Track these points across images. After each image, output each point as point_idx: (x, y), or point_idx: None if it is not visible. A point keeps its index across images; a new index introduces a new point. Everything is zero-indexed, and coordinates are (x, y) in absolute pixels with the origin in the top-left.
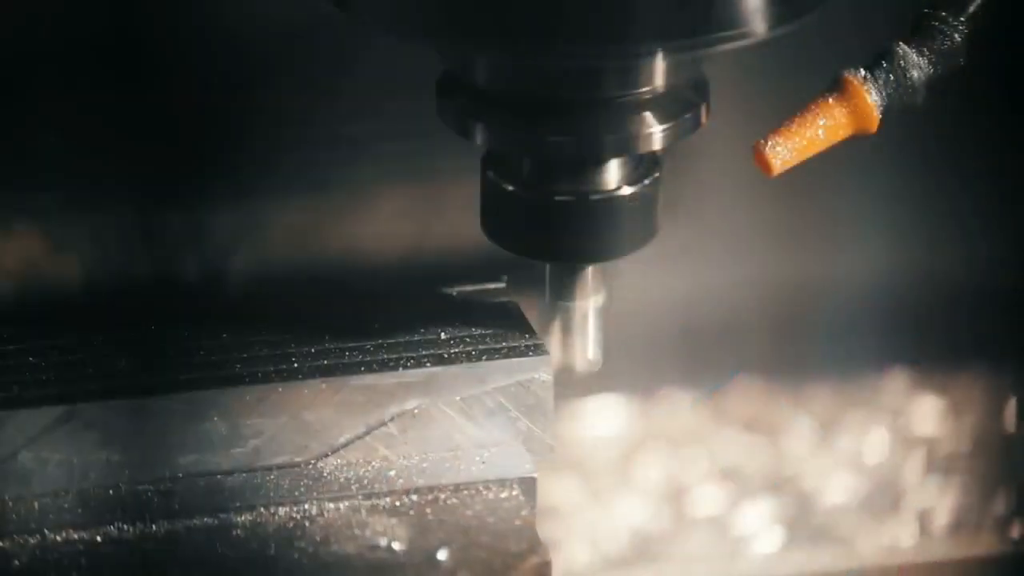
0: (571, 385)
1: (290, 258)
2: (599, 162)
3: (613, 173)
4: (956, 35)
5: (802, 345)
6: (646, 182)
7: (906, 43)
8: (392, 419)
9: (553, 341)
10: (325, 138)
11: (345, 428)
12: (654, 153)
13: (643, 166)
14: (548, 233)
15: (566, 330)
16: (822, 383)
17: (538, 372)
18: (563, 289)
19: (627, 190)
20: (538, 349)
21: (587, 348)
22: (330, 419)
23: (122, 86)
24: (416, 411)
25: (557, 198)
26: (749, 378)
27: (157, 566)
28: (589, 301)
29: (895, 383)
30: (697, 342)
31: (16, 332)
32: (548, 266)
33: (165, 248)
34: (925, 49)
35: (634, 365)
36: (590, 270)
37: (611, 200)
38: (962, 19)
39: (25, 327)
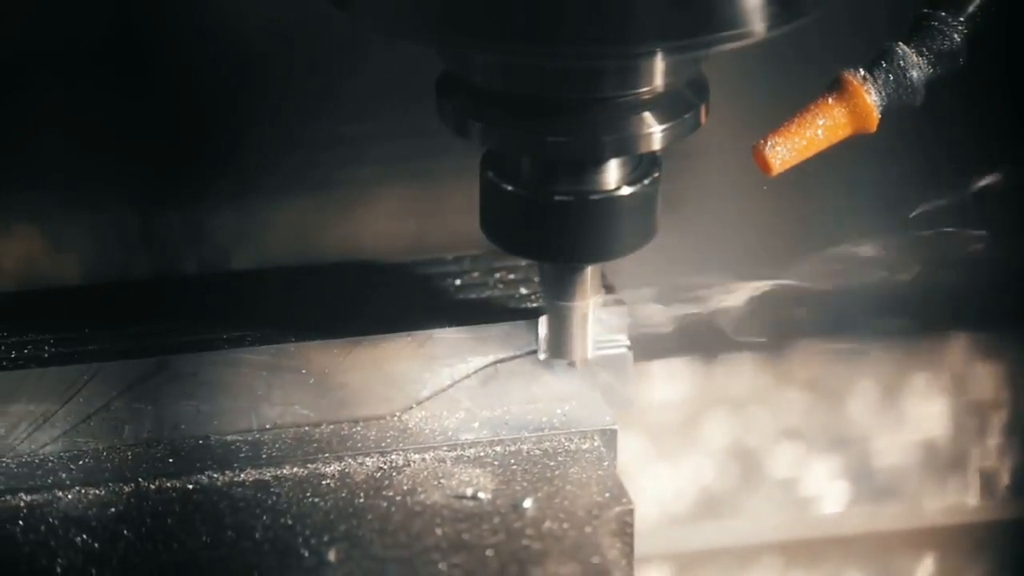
0: (635, 348)
1: (290, 258)
2: (598, 162)
3: (612, 173)
4: (956, 35)
5: (865, 310)
6: (645, 182)
7: (905, 43)
8: (475, 372)
9: (551, 341)
10: (325, 138)
11: (429, 381)
12: (653, 153)
13: (642, 166)
14: (547, 233)
15: (565, 330)
16: (885, 346)
17: (617, 325)
18: (562, 289)
19: (626, 190)
20: (617, 303)
21: (586, 348)
22: (414, 372)
23: (122, 86)
24: (498, 364)
25: (556, 198)
26: (813, 341)
27: (248, 513)
28: (588, 301)
29: (957, 347)
30: (762, 305)
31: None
32: (547, 266)
33: (165, 248)
34: (924, 49)
35: (699, 327)
36: (589, 270)
37: (610, 200)
38: (961, 19)
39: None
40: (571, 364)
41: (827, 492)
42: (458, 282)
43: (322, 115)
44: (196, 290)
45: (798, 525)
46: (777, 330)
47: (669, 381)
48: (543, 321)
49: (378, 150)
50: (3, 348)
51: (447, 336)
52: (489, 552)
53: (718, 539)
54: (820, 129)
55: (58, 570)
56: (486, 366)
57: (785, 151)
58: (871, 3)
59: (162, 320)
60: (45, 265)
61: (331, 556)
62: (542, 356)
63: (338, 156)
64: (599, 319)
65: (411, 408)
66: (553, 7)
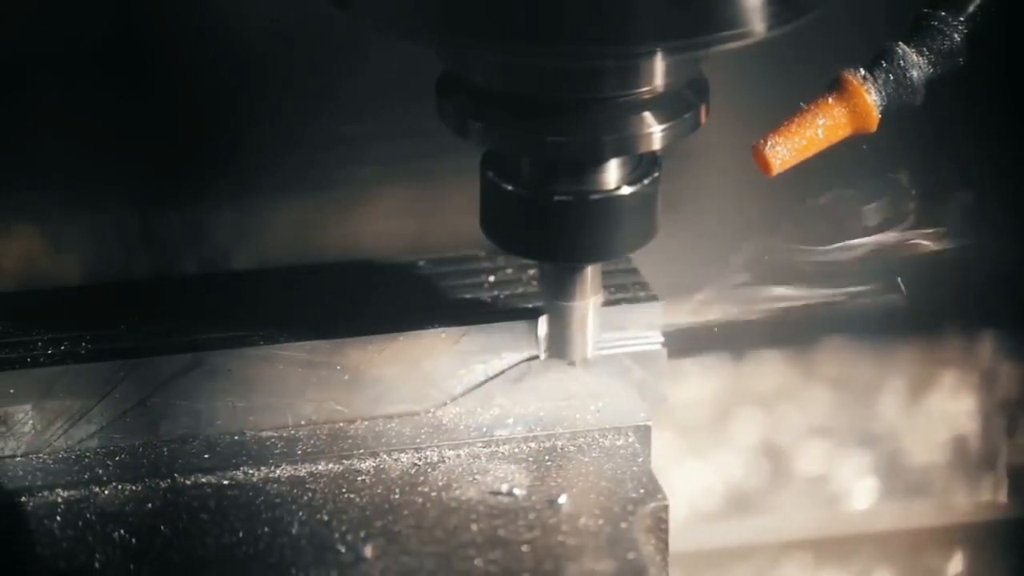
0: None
1: (290, 258)
2: (598, 162)
3: (612, 173)
4: (956, 35)
5: (892, 308)
6: (645, 182)
7: (906, 43)
8: (509, 368)
9: (551, 341)
10: (325, 138)
11: (463, 377)
12: (653, 153)
13: (642, 166)
14: (547, 233)
15: (565, 330)
16: (913, 344)
17: (651, 321)
18: (562, 289)
19: (626, 190)
20: (651, 298)
21: (586, 348)
22: (449, 368)
23: (122, 86)
24: (532, 360)
25: (556, 198)
26: (841, 338)
27: (283, 508)
28: (588, 301)
29: (986, 345)
30: (788, 303)
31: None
32: (547, 266)
33: (165, 248)
34: (925, 49)
35: (725, 326)
36: (589, 270)
37: (610, 200)
38: (962, 19)
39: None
40: (571, 364)
41: (856, 489)
42: (492, 279)
43: (322, 115)
44: (196, 290)
45: (827, 522)
46: (794, 330)
47: (698, 378)
48: (543, 321)
49: (378, 150)
50: (40, 345)
51: (482, 332)
52: (525, 548)
53: (748, 536)
54: (820, 129)
55: (96, 565)
56: (520, 362)
57: (785, 151)
58: (871, 3)
59: (162, 320)
60: (45, 265)
61: (367, 552)
62: (542, 356)
63: (338, 156)
64: (634, 317)
65: (445, 404)
66: (553, 7)
